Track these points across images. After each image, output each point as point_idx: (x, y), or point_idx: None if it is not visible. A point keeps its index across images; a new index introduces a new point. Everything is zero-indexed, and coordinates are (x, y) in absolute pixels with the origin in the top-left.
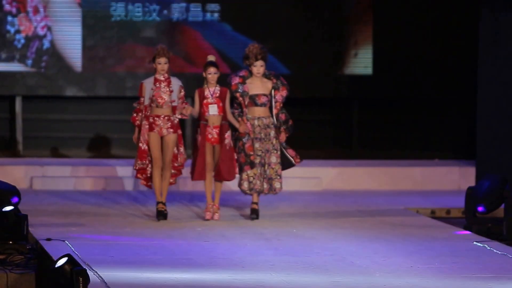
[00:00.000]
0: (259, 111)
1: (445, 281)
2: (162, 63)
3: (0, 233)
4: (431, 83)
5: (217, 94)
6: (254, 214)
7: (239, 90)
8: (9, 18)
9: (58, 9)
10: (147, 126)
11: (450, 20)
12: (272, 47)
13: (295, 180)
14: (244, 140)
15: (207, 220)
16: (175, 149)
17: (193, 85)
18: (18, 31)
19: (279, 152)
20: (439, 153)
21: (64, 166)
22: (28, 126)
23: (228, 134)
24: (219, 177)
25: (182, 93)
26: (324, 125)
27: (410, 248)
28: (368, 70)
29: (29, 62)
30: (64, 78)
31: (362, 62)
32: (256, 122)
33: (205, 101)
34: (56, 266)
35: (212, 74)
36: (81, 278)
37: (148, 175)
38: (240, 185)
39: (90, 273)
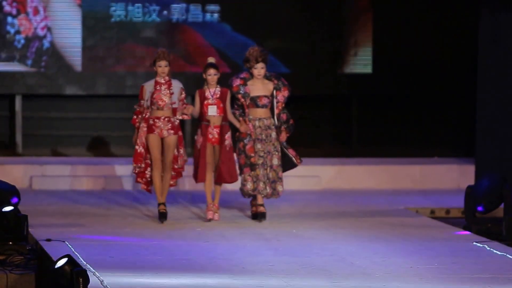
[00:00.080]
0: (260, 112)
1: (445, 282)
2: (162, 66)
3: (0, 234)
4: (430, 81)
5: (218, 95)
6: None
7: (241, 91)
8: (9, 19)
9: (58, 10)
10: (145, 129)
11: (449, 19)
12: (272, 47)
13: (294, 179)
14: (245, 141)
15: (209, 220)
16: (175, 150)
17: (193, 85)
18: (18, 32)
19: (280, 154)
20: (438, 151)
21: (64, 165)
22: (27, 124)
23: (228, 135)
24: (220, 180)
25: (183, 95)
26: (323, 123)
27: (409, 249)
28: (368, 69)
29: (29, 62)
30: (64, 77)
31: (362, 61)
32: (257, 123)
33: (205, 102)
34: (56, 266)
35: (212, 75)
36: (81, 279)
37: (148, 178)
38: (243, 186)
39: (89, 273)
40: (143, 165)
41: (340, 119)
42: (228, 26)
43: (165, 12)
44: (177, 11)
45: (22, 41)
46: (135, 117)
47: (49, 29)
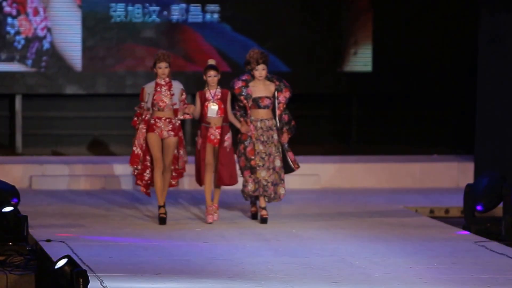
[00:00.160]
0: (262, 113)
1: (444, 282)
2: (162, 68)
3: (0, 234)
4: (430, 80)
5: (219, 96)
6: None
7: (243, 93)
8: (9, 20)
9: (58, 11)
10: (144, 130)
11: (449, 18)
12: (272, 46)
13: (294, 178)
14: (246, 143)
15: (209, 223)
16: (175, 151)
17: (193, 84)
18: (18, 33)
19: (281, 156)
20: (437, 149)
21: (64, 164)
22: (27, 124)
23: (228, 136)
24: (220, 183)
25: (184, 96)
26: (323, 122)
27: (409, 249)
28: (368, 68)
29: (29, 62)
30: (64, 77)
31: (361, 60)
32: (259, 124)
33: (206, 103)
34: (56, 267)
35: (212, 77)
36: (81, 279)
37: (147, 181)
38: (244, 187)
39: (89, 274)
40: (139, 167)
41: (340, 118)
42: (228, 26)
43: (165, 12)
44: (177, 12)
45: (22, 42)
46: (135, 119)
47: (49, 29)
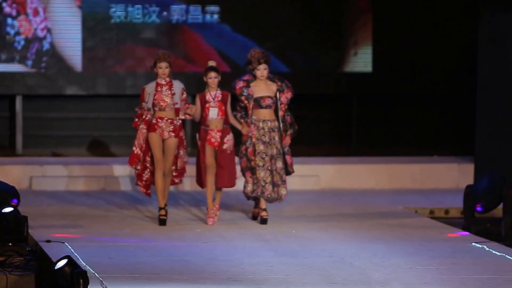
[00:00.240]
0: (264, 113)
1: (444, 283)
2: (163, 68)
3: (0, 235)
4: (430, 80)
5: (219, 98)
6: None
7: (244, 93)
8: (9, 20)
9: (58, 11)
10: (144, 130)
11: (449, 18)
12: (272, 47)
13: (294, 179)
14: (247, 144)
15: (210, 225)
16: (175, 151)
17: (193, 84)
18: (18, 33)
19: (283, 157)
20: (438, 150)
21: (64, 165)
22: (28, 125)
23: (228, 139)
24: (221, 185)
25: (184, 95)
26: (323, 122)
27: (409, 249)
28: (368, 68)
29: (29, 63)
30: (64, 77)
31: (362, 61)
32: (261, 125)
33: (207, 105)
34: (55, 267)
35: (212, 78)
36: (81, 280)
37: (147, 182)
38: (244, 188)
39: (89, 275)
40: (139, 167)
41: (340, 119)
42: (228, 26)
43: (165, 13)
44: (177, 12)
45: (22, 42)
46: (136, 119)
47: (49, 30)
